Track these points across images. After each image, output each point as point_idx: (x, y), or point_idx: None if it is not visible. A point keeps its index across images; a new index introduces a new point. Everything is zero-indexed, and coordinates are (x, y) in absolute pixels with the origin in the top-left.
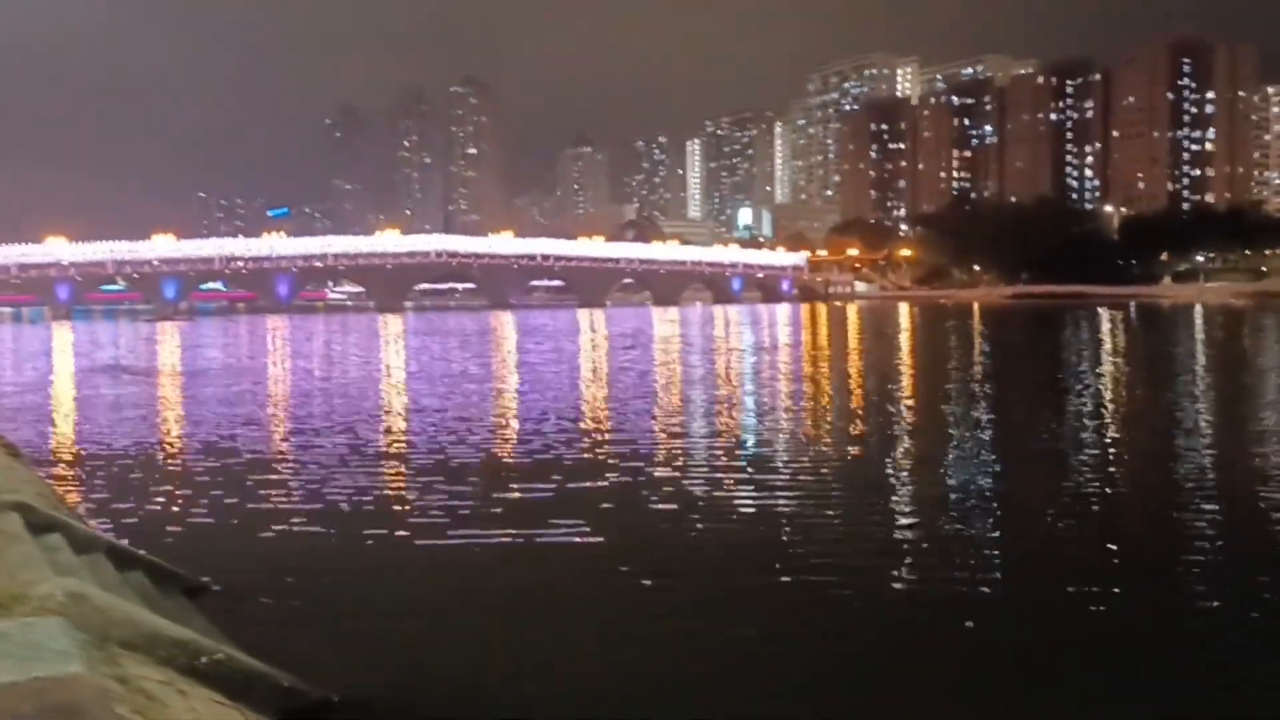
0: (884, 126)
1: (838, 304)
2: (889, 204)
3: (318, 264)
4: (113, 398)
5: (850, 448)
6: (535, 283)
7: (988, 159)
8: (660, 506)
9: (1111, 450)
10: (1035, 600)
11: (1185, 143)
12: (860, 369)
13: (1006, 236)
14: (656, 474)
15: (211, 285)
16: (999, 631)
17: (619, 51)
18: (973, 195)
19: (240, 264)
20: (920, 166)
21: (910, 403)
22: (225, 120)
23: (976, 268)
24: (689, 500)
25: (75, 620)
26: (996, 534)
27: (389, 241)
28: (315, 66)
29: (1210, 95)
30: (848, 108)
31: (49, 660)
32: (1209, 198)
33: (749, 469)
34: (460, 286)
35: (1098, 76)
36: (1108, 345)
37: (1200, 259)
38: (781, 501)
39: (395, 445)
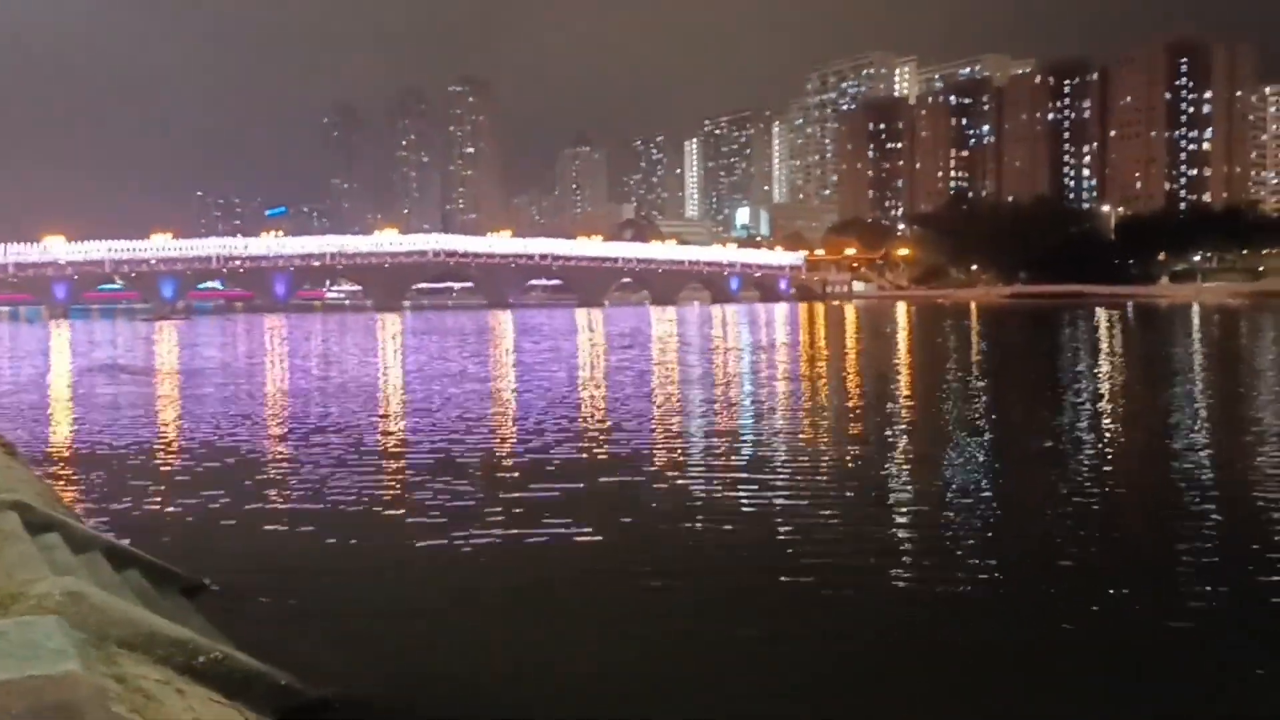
0: (882, 126)
1: (835, 303)
2: (887, 203)
3: (315, 263)
4: (110, 397)
5: (849, 447)
6: (533, 282)
7: (985, 159)
8: (660, 506)
9: (1110, 450)
10: (1035, 600)
11: (1183, 143)
12: (858, 368)
13: (1004, 236)
14: (656, 474)
15: (209, 284)
16: (999, 631)
17: (618, 51)
18: (970, 195)
19: (238, 263)
20: (918, 166)
21: (909, 402)
22: (224, 120)
23: (974, 267)
24: (689, 500)
25: (73, 619)
26: (996, 534)
27: (387, 241)
28: (314, 66)
29: (1208, 95)
30: (845, 107)
31: (46, 659)
32: (1206, 198)
33: (748, 469)
34: (458, 286)
35: (1095, 76)
36: (1105, 345)
37: (1197, 259)
38: (781, 501)
39: (394, 445)
